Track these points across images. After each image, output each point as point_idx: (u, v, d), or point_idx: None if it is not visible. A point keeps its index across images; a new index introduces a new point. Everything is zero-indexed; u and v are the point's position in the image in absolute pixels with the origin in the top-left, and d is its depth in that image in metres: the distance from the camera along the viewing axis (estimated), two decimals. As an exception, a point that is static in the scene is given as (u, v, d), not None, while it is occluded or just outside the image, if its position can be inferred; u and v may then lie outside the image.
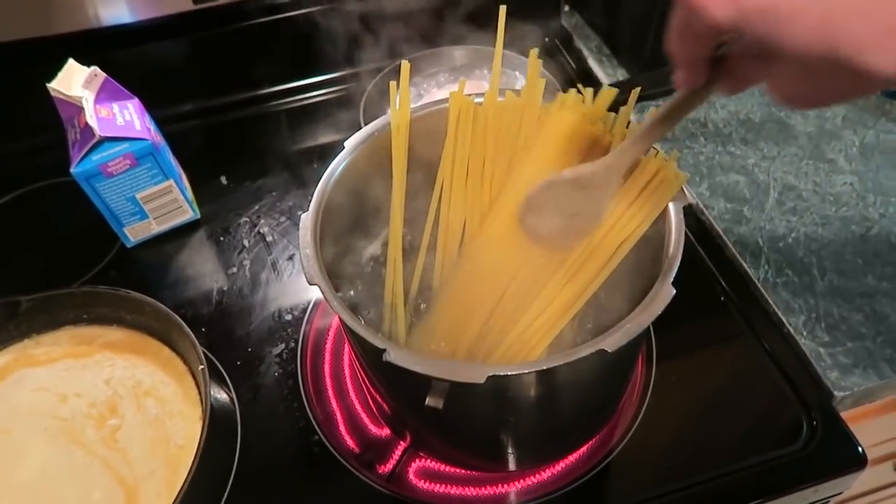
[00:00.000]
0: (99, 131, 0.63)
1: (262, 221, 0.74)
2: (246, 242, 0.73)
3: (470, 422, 0.48)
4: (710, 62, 0.39)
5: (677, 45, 0.38)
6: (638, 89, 0.48)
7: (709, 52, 0.38)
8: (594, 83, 0.83)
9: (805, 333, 0.59)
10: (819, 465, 0.53)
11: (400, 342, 0.51)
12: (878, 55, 0.30)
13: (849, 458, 0.53)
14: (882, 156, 0.71)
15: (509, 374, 0.38)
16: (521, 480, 0.54)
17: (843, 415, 0.56)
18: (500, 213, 0.50)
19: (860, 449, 0.53)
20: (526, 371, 0.38)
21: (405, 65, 0.51)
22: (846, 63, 0.31)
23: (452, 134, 0.52)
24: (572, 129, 0.48)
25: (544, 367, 0.38)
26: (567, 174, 0.45)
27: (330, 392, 0.60)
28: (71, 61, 0.65)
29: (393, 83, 0.51)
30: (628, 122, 0.48)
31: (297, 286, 0.68)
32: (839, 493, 0.57)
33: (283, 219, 0.74)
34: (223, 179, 0.79)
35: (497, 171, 0.51)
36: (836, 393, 0.55)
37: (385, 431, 0.57)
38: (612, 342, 0.38)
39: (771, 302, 0.61)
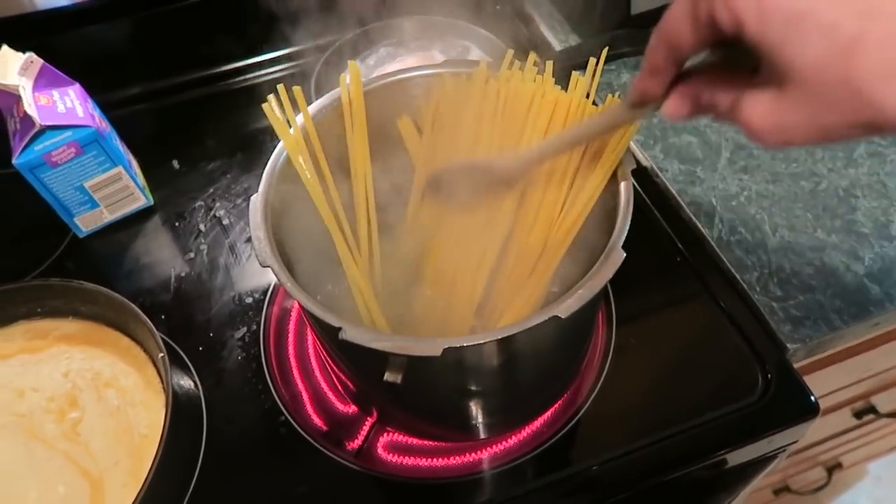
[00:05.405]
0: (39, 120, 0.61)
1: (218, 204, 0.73)
2: (202, 227, 0.71)
3: (432, 394, 0.49)
4: (674, 76, 0.35)
5: (663, 42, 0.34)
6: (605, 53, 0.48)
7: (685, 59, 0.34)
8: (547, 49, 0.83)
9: (758, 289, 0.60)
10: (774, 416, 0.55)
11: (372, 317, 0.51)
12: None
13: (802, 407, 0.55)
14: (829, 111, 0.72)
15: (465, 345, 0.38)
16: (489, 448, 0.55)
17: (797, 366, 0.58)
18: None
19: (812, 398, 0.55)
20: (482, 341, 0.38)
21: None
22: (860, 95, 0.27)
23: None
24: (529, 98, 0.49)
25: (500, 337, 0.38)
26: (481, 161, 0.48)
27: (295, 372, 0.60)
28: (5, 48, 0.63)
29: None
30: (588, 92, 0.48)
31: (257, 268, 0.67)
32: (794, 442, 0.59)
33: (238, 200, 0.73)
34: (175, 163, 0.77)
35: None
36: (788, 345, 0.57)
37: (352, 408, 0.57)
38: (565, 308, 0.38)
39: (725, 260, 0.62)
